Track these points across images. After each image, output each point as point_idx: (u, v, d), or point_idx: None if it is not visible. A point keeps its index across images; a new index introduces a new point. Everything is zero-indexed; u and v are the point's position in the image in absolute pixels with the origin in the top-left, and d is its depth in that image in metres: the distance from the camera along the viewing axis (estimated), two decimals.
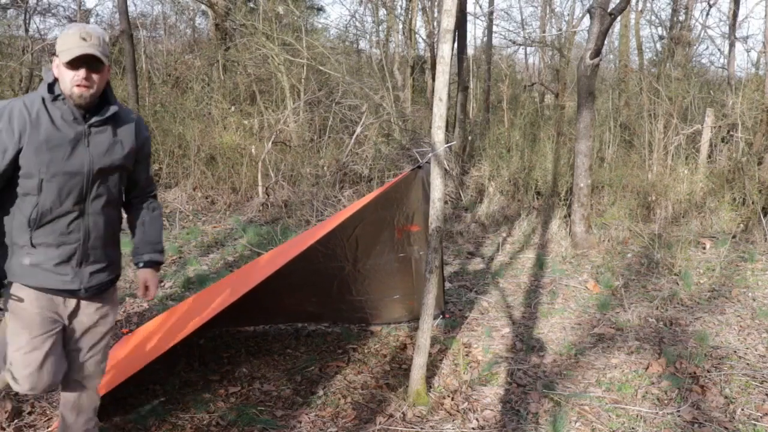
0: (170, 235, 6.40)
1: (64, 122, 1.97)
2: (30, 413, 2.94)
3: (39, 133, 1.93)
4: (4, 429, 2.77)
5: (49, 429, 2.80)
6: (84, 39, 1.91)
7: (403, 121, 10.77)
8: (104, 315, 2.20)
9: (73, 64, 1.91)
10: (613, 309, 4.71)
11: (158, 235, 2.33)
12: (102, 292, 2.17)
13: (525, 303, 4.91)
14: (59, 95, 1.96)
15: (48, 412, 2.97)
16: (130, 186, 2.26)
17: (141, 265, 2.30)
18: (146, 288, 2.31)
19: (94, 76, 1.96)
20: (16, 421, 2.85)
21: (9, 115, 1.92)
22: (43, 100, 1.96)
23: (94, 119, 2.01)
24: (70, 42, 1.92)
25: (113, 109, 2.05)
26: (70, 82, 1.93)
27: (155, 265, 2.32)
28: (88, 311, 2.16)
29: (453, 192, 8.75)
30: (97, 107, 2.03)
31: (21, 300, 2.03)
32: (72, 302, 2.12)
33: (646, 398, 3.32)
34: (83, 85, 1.93)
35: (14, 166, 1.94)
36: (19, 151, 1.92)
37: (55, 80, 1.99)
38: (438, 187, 3.06)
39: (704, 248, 6.41)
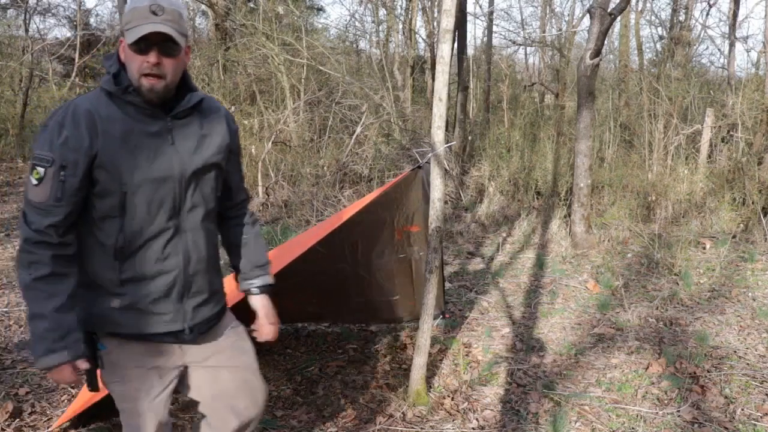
0: None
1: (140, 117, 1.56)
2: (30, 413, 2.94)
3: (113, 133, 1.51)
4: (4, 429, 2.77)
5: (49, 429, 2.80)
6: (155, 12, 1.47)
7: (403, 121, 10.77)
8: (224, 345, 1.80)
9: (140, 46, 1.49)
10: (613, 309, 4.71)
11: (264, 255, 1.90)
12: (208, 330, 1.76)
13: (525, 303, 4.91)
14: (128, 86, 1.53)
15: (48, 412, 2.97)
16: (223, 192, 1.80)
17: (255, 291, 1.87)
18: (267, 320, 1.88)
19: (167, 62, 1.51)
20: (16, 420, 2.85)
21: (73, 118, 1.49)
22: (110, 94, 1.54)
23: (176, 110, 1.59)
24: (136, 16, 1.48)
25: (198, 95, 1.63)
26: (137, 70, 1.50)
27: (269, 289, 1.89)
28: (200, 354, 1.76)
29: (453, 192, 8.74)
30: (177, 96, 1.61)
31: (115, 354, 1.64)
32: (175, 350, 1.71)
33: (646, 398, 3.32)
34: (152, 76, 1.50)
35: (89, 181, 1.52)
36: (92, 161, 1.50)
37: (120, 69, 1.56)
38: (438, 187, 3.06)
39: (704, 248, 6.41)
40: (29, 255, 1.53)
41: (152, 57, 1.49)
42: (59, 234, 1.53)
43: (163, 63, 1.51)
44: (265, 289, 1.88)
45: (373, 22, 15.86)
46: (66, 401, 3.07)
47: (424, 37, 14.91)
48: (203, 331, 1.73)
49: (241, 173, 1.87)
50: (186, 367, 1.76)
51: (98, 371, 1.67)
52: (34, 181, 1.50)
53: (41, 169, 1.49)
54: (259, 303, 1.87)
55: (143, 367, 1.66)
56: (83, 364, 1.56)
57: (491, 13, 13.86)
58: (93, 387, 1.66)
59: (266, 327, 1.89)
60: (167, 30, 1.48)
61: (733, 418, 3.10)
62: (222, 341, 1.79)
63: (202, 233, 1.67)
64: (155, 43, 1.49)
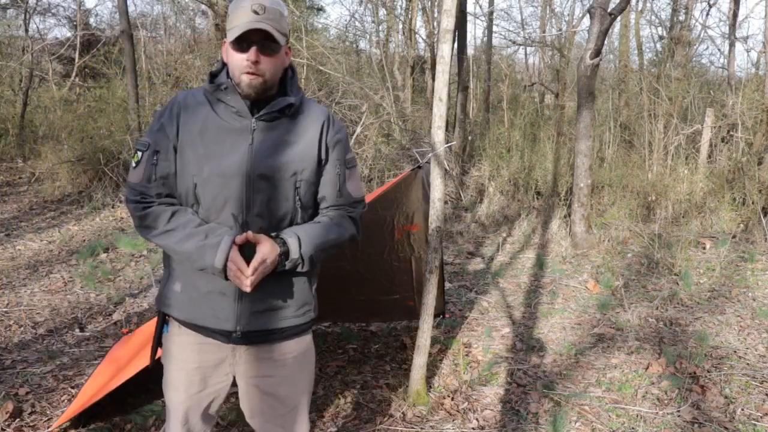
0: None
1: (226, 114, 1.59)
2: (30, 413, 2.94)
3: (195, 122, 1.58)
4: (3, 429, 2.77)
5: (49, 429, 2.80)
6: (256, 12, 1.51)
7: (403, 121, 10.77)
8: (279, 371, 1.70)
9: (241, 44, 1.53)
10: (613, 309, 4.71)
11: (320, 237, 1.64)
12: (266, 342, 1.66)
13: (525, 303, 4.91)
14: (220, 84, 1.58)
15: (48, 412, 2.97)
16: (317, 202, 1.72)
17: (272, 234, 1.60)
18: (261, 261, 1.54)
19: (266, 60, 1.54)
20: (16, 420, 2.85)
21: (171, 107, 1.61)
22: (205, 91, 1.61)
23: (263, 111, 1.59)
24: (239, 16, 1.52)
25: (288, 100, 1.60)
26: (238, 68, 1.54)
27: (283, 246, 1.58)
28: (254, 365, 1.68)
29: (453, 192, 8.75)
30: (274, 98, 1.61)
31: (172, 340, 1.67)
32: (226, 353, 1.67)
33: (646, 398, 3.32)
34: (252, 72, 1.53)
35: (176, 167, 1.60)
36: (176, 148, 1.59)
37: (221, 68, 1.63)
38: (438, 187, 3.06)
39: (704, 248, 6.41)
40: (145, 219, 1.60)
41: (252, 55, 1.52)
42: (152, 195, 1.61)
43: (262, 61, 1.54)
44: (280, 242, 1.58)
45: (373, 22, 15.88)
46: (66, 401, 3.07)
47: (424, 37, 14.92)
48: (259, 342, 1.65)
49: (343, 186, 1.71)
50: (234, 376, 1.72)
51: (159, 350, 1.73)
52: (134, 164, 1.62)
53: (140, 153, 1.61)
54: (260, 239, 1.56)
55: (189, 363, 1.66)
56: (241, 238, 1.55)
57: (491, 13, 13.86)
58: (151, 364, 1.77)
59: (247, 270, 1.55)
60: (267, 28, 1.51)
61: (733, 418, 3.10)
62: (275, 366, 1.69)
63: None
64: (255, 41, 1.52)
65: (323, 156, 1.67)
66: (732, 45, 11.37)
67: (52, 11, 14.81)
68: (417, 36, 15.39)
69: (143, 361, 2.86)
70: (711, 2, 12.96)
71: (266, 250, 1.55)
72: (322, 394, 3.29)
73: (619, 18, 7.82)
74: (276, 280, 1.60)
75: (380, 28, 15.77)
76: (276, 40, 1.54)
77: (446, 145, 3.19)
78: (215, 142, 1.57)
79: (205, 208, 1.59)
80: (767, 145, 8.26)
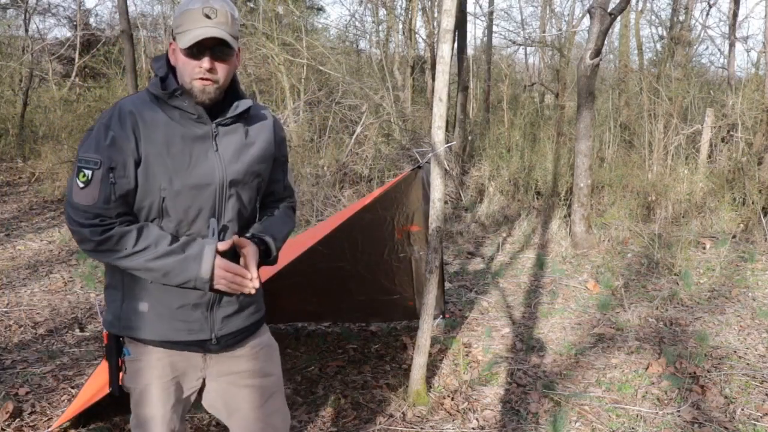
0: None
1: (185, 122, 1.53)
2: (30, 413, 2.94)
3: (157, 132, 1.49)
4: (4, 429, 2.77)
5: (49, 429, 2.80)
6: (208, 16, 1.45)
7: (403, 121, 10.77)
8: (249, 365, 1.71)
9: (193, 50, 1.46)
10: (613, 309, 4.71)
11: (282, 230, 1.73)
12: (237, 343, 1.68)
13: (525, 303, 4.91)
14: (175, 90, 1.50)
15: (48, 412, 2.97)
16: (265, 194, 1.75)
17: (248, 236, 1.64)
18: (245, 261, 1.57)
19: (220, 66, 1.50)
20: (16, 420, 2.85)
21: (119, 118, 1.48)
22: (156, 98, 1.52)
23: (222, 116, 1.56)
24: (190, 20, 1.45)
25: (246, 103, 1.59)
26: (190, 75, 1.48)
27: (263, 245, 1.63)
28: (227, 364, 1.69)
29: (453, 192, 8.75)
30: (224, 102, 1.58)
31: (138, 360, 1.60)
32: (198, 360, 1.66)
33: (646, 398, 3.32)
34: (206, 79, 1.48)
35: (137, 182, 1.50)
36: (137, 163, 1.49)
37: (168, 72, 1.54)
38: (438, 187, 3.06)
39: (704, 248, 6.41)
40: (106, 242, 1.48)
41: (206, 62, 1.47)
42: (111, 216, 1.49)
43: (216, 67, 1.49)
44: (259, 242, 1.62)
45: (373, 22, 15.87)
46: (66, 401, 3.07)
47: (424, 37, 14.91)
48: (231, 344, 1.66)
49: (285, 180, 1.79)
50: (205, 378, 1.71)
51: (121, 375, 1.64)
52: (81, 184, 1.47)
53: (88, 172, 1.46)
54: (242, 242, 1.58)
55: (164, 377, 1.62)
56: (225, 245, 1.54)
57: (491, 13, 13.86)
58: (114, 390, 1.65)
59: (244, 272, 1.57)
60: (221, 35, 1.46)
61: (733, 418, 3.10)
62: (247, 360, 1.71)
63: None
64: (208, 47, 1.47)
65: (276, 154, 1.71)
66: (732, 45, 11.37)
67: (52, 11, 14.81)
68: (417, 36, 15.39)
69: None
70: (711, 2, 12.97)
71: (254, 250, 1.57)
72: (322, 394, 3.29)
73: (619, 18, 7.82)
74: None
75: (380, 28, 15.77)
76: (230, 45, 1.49)
77: (446, 145, 3.19)
78: (182, 152, 1.51)
79: (175, 221, 1.52)
80: (767, 145, 8.26)
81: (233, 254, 1.56)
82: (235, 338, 1.67)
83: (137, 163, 1.49)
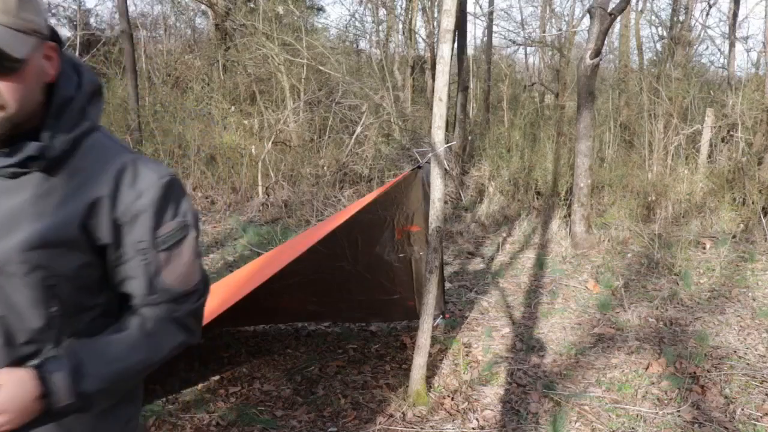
0: None
1: None
2: None
3: None
4: None
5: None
6: None
7: (403, 121, 10.77)
8: None
9: None
10: (613, 309, 4.71)
11: (119, 358, 1.06)
12: None
13: (525, 303, 4.91)
14: None
15: None
16: (122, 300, 1.14)
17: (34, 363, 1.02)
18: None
19: (1, 86, 0.92)
20: None
21: None
22: None
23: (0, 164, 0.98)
24: None
25: (33, 147, 0.97)
26: None
27: (43, 384, 0.98)
28: None
29: (453, 192, 8.75)
30: (15, 138, 0.98)
31: None
32: None
33: (646, 398, 3.32)
34: None
35: None
36: None
37: None
38: (438, 187, 3.06)
39: (704, 248, 6.41)
40: None
41: None
42: None
43: None
44: (45, 385, 0.97)
45: (373, 22, 15.87)
46: None
47: (424, 37, 14.91)
48: None
49: (149, 279, 1.08)
50: None
51: None
52: None
53: None
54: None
55: None
56: None
57: (491, 13, 13.86)
58: None
59: None
60: None
61: (733, 418, 3.10)
62: None
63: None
64: None
65: (106, 235, 1.04)
66: (732, 45, 11.36)
67: (52, 11, 14.79)
68: (417, 36, 15.39)
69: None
70: (711, 2, 12.97)
71: (4, 395, 0.94)
72: (322, 394, 3.29)
73: (619, 18, 7.82)
74: (56, 425, 1.03)
75: (380, 28, 15.76)
76: (9, 56, 0.90)
77: (446, 145, 3.19)
78: None
79: None
80: (767, 145, 8.26)
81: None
82: None
83: None
